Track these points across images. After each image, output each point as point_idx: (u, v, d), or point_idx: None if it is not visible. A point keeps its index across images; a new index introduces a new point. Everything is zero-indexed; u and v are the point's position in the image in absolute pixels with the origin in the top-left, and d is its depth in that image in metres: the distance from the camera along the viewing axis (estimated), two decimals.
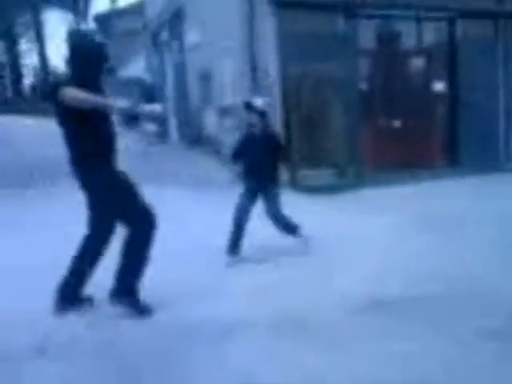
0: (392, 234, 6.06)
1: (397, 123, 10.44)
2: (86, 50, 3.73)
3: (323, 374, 3.04)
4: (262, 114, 5.21)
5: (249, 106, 5.20)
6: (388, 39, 10.60)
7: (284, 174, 9.36)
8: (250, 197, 5.27)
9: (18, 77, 27.21)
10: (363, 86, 10.41)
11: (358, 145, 9.81)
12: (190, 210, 7.45)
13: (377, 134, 10.16)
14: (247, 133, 5.38)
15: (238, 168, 5.48)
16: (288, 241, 5.46)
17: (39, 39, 25.49)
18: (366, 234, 6.06)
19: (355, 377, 3.01)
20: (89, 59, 3.73)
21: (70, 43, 3.76)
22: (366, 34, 10.23)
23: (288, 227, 5.36)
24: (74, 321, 3.85)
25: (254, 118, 5.21)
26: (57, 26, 38.77)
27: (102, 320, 3.88)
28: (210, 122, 12.40)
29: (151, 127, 15.53)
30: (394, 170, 9.89)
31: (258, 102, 5.21)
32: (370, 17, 10.17)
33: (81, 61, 3.73)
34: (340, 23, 9.81)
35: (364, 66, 10.47)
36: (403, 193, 8.58)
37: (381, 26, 10.51)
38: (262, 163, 5.20)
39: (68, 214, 5.85)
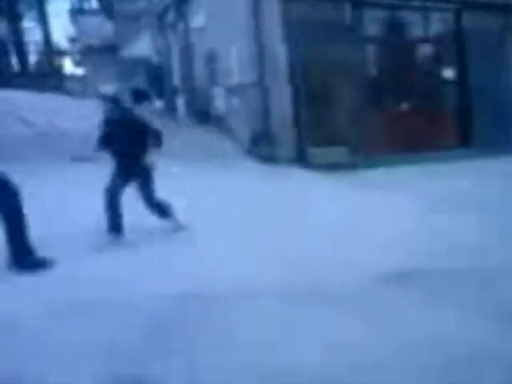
0: (404, 211, 6.21)
1: (405, 106, 10.69)
2: None
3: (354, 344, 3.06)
4: (117, 101, 5.43)
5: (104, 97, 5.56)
6: (394, 28, 10.88)
7: (291, 151, 9.91)
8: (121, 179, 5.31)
9: (22, 54, 27.32)
10: (371, 71, 10.69)
11: (367, 125, 9.88)
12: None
13: (387, 116, 10.37)
14: (110, 117, 5.38)
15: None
16: None
17: (42, 16, 25.63)
18: (379, 210, 6.23)
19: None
20: None
21: None
22: (372, 23, 10.52)
23: (162, 211, 5.39)
24: None
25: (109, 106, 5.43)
26: (60, 4, 38.74)
27: None
28: (218, 100, 12.70)
29: (159, 104, 15.89)
30: (405, 151, 10.04)
31: (110, 89, 5.61)
32: (377, 5, 10.42)
33: None
34: (346, 11, 9.97)
35: (370, 52, 10.73)
36: (413, 173, 8.66)
37: (387, 15, 10.74)
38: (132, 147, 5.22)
39: None
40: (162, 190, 5.44)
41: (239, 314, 3.48)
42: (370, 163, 9.27)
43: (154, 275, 4.21)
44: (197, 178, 7.94)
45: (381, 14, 10.71)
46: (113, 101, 5.39)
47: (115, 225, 5.20)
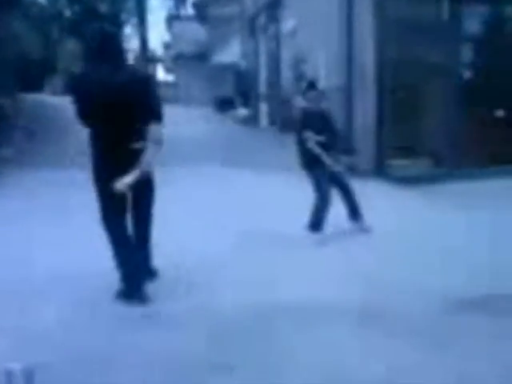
0: (494, 234, 5.43)
1: (501, 114, 9.71)
2: None
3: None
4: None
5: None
6: (496, 25, 9.92)
7: (370, 162, 9.22)
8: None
9: None
10: (466, 74, 9.86)
11: (458, 134, 9.22)
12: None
13: (479, 123, 9.50)
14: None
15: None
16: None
17: (141, 23, 26.34)
18: (467, 234, 5.56)
19: None
20: None
21: None
22: (472, 20, 9.62)
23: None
24: None
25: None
26: (159, 13, 40.18)
27: None
28: (300, 107, 12.24)
29: (243, 112, 15.63)
30: (497, 162, 9.17)
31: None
32: (477, 1, 9.54)
33: None
34: (444, 7, 9.32)
35: (467, 53, 9.91)
36: (504, 186, 7.89)
37: (489, 11, 9.82)
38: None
39: None
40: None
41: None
42: (456, 176, 8.58)
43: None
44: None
45: (481, 10, 9.76)
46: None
47: (318, 222, 5.35)
